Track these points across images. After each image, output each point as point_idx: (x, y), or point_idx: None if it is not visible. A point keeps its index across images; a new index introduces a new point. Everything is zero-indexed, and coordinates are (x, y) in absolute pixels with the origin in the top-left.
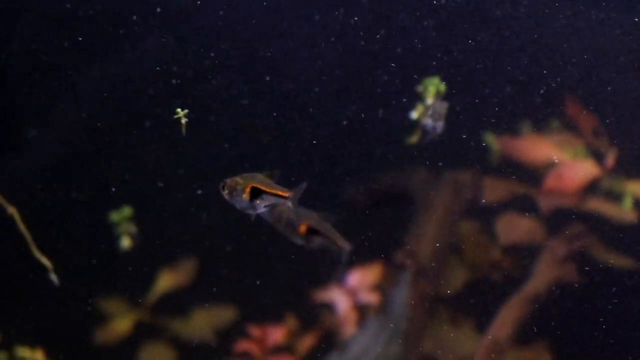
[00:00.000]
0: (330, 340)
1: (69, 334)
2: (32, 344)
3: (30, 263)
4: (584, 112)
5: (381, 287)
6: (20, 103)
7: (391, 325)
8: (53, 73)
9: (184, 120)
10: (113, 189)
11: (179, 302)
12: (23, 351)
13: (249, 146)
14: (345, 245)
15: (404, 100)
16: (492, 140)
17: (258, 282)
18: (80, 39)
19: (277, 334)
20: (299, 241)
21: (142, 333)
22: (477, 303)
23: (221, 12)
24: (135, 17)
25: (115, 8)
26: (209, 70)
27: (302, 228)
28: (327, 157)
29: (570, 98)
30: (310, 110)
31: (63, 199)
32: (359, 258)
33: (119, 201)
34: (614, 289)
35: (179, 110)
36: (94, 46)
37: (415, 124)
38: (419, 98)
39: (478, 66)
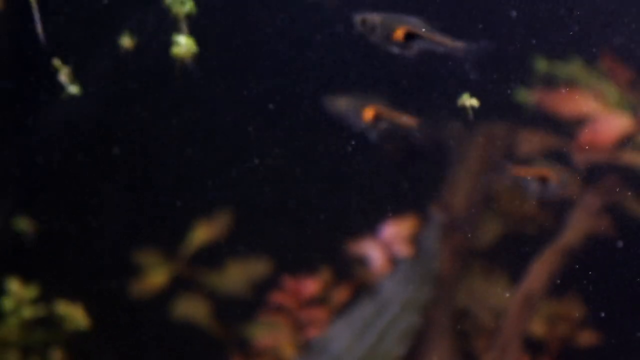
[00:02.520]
0: (365, 292)
1: (104, 287)
2: (69, 298)
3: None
4: (620, 62)
5: (415, 240)
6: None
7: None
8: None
9: None
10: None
11: (214, 255)
12: (61, 305)
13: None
14: (459, 45)
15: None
16: (527, 93)
17: (293, 235)
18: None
19: (311, 286)
20: (397, 49)
21: (178, 286)
22: (510, 256)
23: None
24: None
25: None
26: None
27: (399, 33)
28: None
29: (606, 48)
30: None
31: (97, 153)
32: (392, 210)
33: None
34: None
35: None
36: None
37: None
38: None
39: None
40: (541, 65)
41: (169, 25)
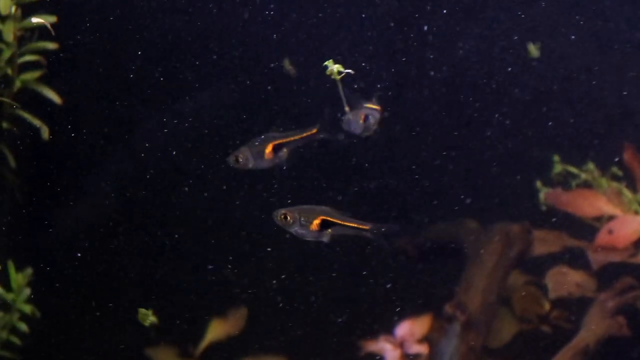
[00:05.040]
0: None
1: None
2: None
3: (81, 312)
4: None
5: (430, 339)
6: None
7: None
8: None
9: None
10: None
11: (228, 352)
12: None
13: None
14: (367, 226)
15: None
16: (544, 193)
17: (307, 332)
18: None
19: None
20: (315, 237)
21: None
22: (526, 355)
23: None
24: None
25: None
26: None
27: (316, 223)
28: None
29: (628, 145)
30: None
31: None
32: (408, 309)
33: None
34: None
35: None
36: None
37: None
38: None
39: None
40: (558, 167)
41: None
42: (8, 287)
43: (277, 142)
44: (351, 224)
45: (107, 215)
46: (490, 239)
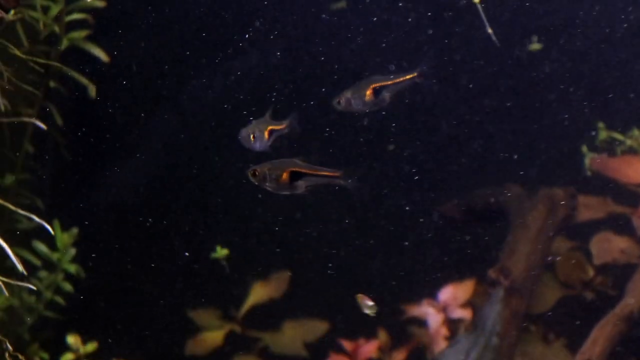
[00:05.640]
0: (421, 355)
1: (161, 345)
2: (127, 354)
3: (125, 273)
4: None
5: (473, 304)
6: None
7: (482, 341)
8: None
9: None
10: (210, 200)
11: (270, 315)
12: None
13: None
14: (337, 173)
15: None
16: (589, 159)
17: (350, 296)
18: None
19: (368, 349)
20: (289, 190)
21: (234, 345)
22: (569, 321)
23: None
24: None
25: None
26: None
27: (286, 176)
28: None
29: None
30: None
31: (160, 206)
32: (451, 273)
33: (215, 212)
34: None
35: None
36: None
37: None
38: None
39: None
40: (603, 134)
41: None
42: (53, 247)
43: (377, 84)
44: (321, 173)
45: (153, 175)
46: (534, 204)
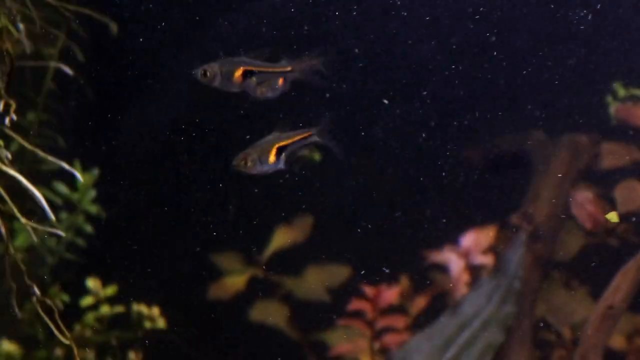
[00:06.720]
0: (442, 301)
1: (182, 289)
2: (147, 298)
3: (147, 220)
4: None
5: (496, 250)
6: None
7: (504, 284)
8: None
9: None
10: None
11: (293, 260)
12: (139, 307)
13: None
14: (310, 132)
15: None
16: (613, 106)
17: (372, 242)
18: None
19: (390, 294)
20: (275, 168)
21: (256, 289)
22: (592, 268)
23: None
24: None
25: None
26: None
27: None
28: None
29: None
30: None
31: (184, 149)
32: (474, 219)
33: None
34: None
35: None
36: None
37: None
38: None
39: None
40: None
41: None
42: (73, 188)
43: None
44: (297, 138)
45: (177, 118)
46: (558, 150)
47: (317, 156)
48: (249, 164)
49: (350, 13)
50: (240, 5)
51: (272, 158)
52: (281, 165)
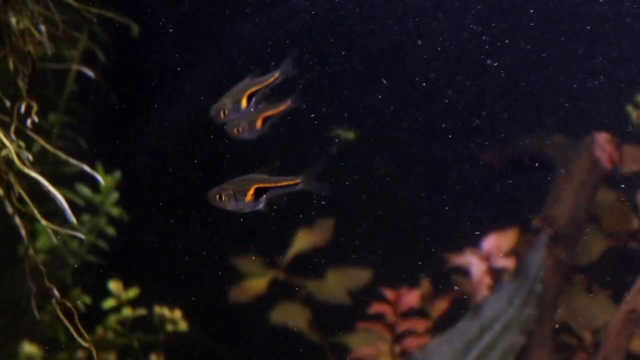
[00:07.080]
0: (463, 304)
1: (204, 292)
2: (169, 301)
3: (169, 222)
4: None
5: (517, 253)
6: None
7: (526, 287)
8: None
9: None
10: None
11: (314, 263)
12: (161, 310)
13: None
14: (297, 179)
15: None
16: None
17: (393, 245)
18: None
19: (411, 298)
20: (252, 207)
21: (277, 292)
22: (613, 272)
23: None
24: None
25: None
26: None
27: (251, 193)
28: (465, 120)
29: None
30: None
31: (205, 152)
32: (495, 222)
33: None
34: None
35: None
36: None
37: None
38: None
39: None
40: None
41: None
42: (96, 190)
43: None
44: (282, 184)
45: (198, 120)
46: (579, 153)
47: (351, 135)
48: (224, 198)
49: (370, 18)
50: (258, 11)
51: (248, 197)
52: (261, 207)
